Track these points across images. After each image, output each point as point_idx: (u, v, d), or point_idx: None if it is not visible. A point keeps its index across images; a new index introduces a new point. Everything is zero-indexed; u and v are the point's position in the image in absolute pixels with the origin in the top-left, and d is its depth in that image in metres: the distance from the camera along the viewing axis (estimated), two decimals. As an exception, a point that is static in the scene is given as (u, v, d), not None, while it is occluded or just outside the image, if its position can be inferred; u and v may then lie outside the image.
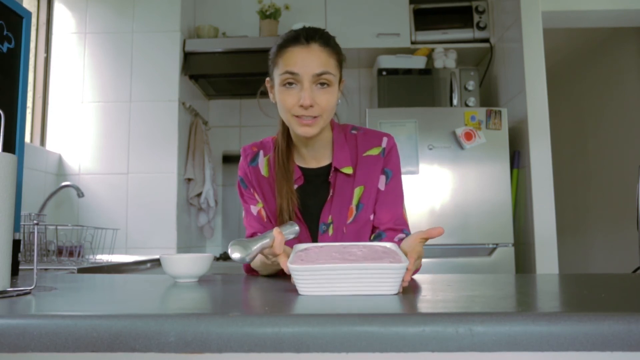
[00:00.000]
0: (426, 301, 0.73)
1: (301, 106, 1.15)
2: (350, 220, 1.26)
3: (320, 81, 1.16)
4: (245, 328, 0.56)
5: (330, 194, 1.26)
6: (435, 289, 0.87)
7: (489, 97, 3.24)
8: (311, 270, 0.76)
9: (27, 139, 2.72)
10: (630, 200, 3.21)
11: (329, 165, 1.29)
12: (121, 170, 2.75)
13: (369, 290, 0.76)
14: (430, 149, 2.71)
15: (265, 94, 1.31)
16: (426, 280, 1.04)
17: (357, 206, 1.26)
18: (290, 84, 1.17)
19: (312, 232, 1.27)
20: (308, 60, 1.15)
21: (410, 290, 0.83)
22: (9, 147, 1.12)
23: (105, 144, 2.77)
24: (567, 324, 0.55)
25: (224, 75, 2.95)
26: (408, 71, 3.02)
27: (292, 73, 1.16)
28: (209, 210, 3.03)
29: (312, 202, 1.28)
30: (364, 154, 1.28)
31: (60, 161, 2.77)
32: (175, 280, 1.02)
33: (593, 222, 4.21)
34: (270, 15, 3.00)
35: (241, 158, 1.34)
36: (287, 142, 1.29)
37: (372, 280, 0.75)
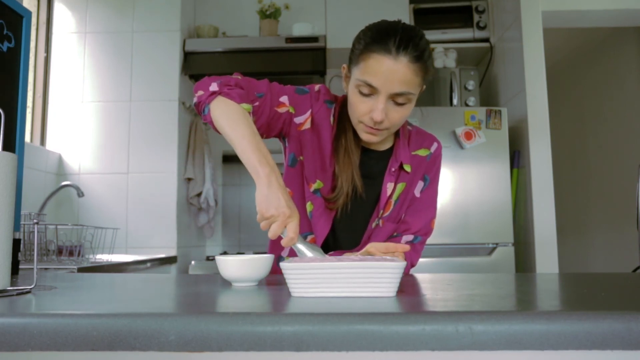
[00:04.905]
0: (426, 300, 0.73)
1: (371, 118, 1.09)
2: (387, 213, 1.24)
3: (398, 100, 1.08)
4: (245, 327, 0.56)
5: (392, 189, 1.22)
6: (435, 288, 0.87)
7: (489, 97, 3.24)
8: (302, 269, 0.73)
9: (27, 138, 2.72)
10: (630, 200, 3.21)
11: (388, 151, 1.25)
12: (121, 170, 2.75)
13: (365, 291, 0.72)
14: (430, 148, 2.71)
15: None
16: (426, 279, 1.04)
17: (395, 201, 1.24)
18: (366, 93, 1.08)
19: (346, 211, 1.22)
20: (391, 77, 1.04)
21: (410, 289, 0.83)
22: (9, 146, 1.12)
23: (105, 144, 2.77)
24: (566, 322, 0.55)
25: (224, 75, 2.94)
26: (408, 71, 3.02)
27: (370, 85, 1.06)
28: (209, 209, 3.03)
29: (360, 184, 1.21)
30: (413, 152, 1.27)
31: (60, 161, 2.77)
32: (232, 284, 0.94)
33: (593, 222, 4.21)
34: (270, 15, 3.00)
35: (322, 87, 1.25)
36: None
37: (367, 281, 0.72)
